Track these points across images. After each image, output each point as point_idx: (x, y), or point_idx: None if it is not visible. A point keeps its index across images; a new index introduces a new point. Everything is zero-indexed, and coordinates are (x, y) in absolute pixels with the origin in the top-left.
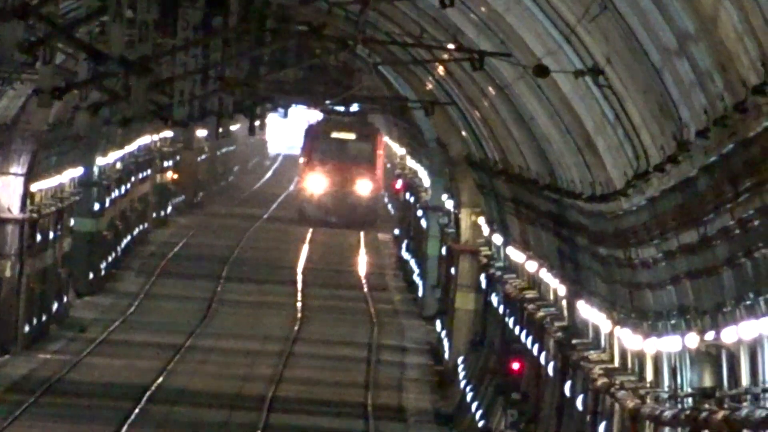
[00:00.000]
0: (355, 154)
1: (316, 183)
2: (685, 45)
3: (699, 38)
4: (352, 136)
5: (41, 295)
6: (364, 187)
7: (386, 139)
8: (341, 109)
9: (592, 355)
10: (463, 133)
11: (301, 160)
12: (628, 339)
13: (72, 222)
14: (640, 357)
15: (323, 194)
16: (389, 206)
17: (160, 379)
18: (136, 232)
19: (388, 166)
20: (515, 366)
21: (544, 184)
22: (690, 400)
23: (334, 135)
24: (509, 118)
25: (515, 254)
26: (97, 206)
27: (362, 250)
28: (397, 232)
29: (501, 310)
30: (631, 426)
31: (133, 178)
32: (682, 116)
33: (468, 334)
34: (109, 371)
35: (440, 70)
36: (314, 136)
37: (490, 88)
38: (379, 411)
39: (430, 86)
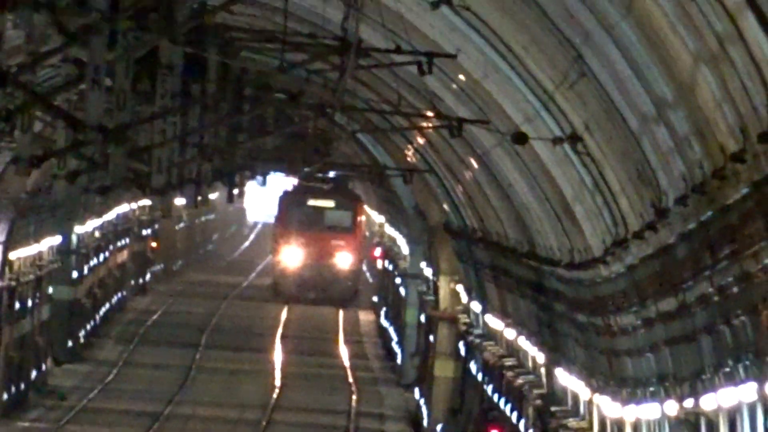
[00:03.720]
0: (333, 223)
1: (291, 256)
2: (663, 111)
3: (677, 105)
4: (330, 203)
5: (20, 362)
6: (343, 260)
7: (365, 207)
8: (319, 174)
9: (571, 422)
10: (442, 201)
11: (276, 230)
12: (607, 406)
13: (50, 290)
14: (619, 424)
15: (299, 268)
16: (368, 274)
17: None
18: (114, 300)
19: (367, 234)
20: None
21: (523, 252)
22: None
23: (311, 203)
24: (488, 185)
25: (494, 322)
26: (75, 274)
27: (341, 317)
28: (375, 299)
29: (480, 377)
30: None
31: (111, 246)
32: (660, 183)
33: (447, 401)
34: None
35: (419, 138)
36: (290, 204)
37: (469, 156)
38: None
39: (409, 156)
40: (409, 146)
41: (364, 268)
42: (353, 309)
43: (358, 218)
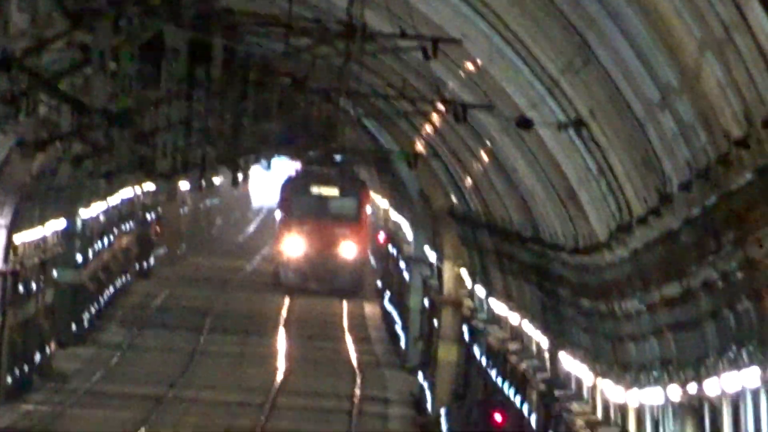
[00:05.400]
0: (338, 212)
1: (293, 245)
2: (668, 98)
3: (682, 91)
4: (335, 191)
5: (24, 346)
6: (348, 250)
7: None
8: (323, 158)
9: (575, 406)
10: (447, 186)
11: (278, 218)
12: (611, 391)
13: (55, 273)
14: (622, 409)
15: (302, 258)
16: (372, 259)
17: (143, 431)
18: (118, 283)
19: (372, 219)
20: (498, 417)
21: (527, 237)
22: None
23: (315, 190)
24: (492, 170)
25: (498, 306)
26: (79, 258)
27: (345, 303)
28: (379, 284)
29: (484, 361)
30: None
31: (115, 230)
32: (665, 169)
33: (451, 385)
34: (92, 423)
35: (424, 123)
36: (292, 191)
37: (474, 142)
38: None
39: (416, 142)
40: (414, 131)
41: (369, 254)
42: (359, 299)
43: (364, 206)
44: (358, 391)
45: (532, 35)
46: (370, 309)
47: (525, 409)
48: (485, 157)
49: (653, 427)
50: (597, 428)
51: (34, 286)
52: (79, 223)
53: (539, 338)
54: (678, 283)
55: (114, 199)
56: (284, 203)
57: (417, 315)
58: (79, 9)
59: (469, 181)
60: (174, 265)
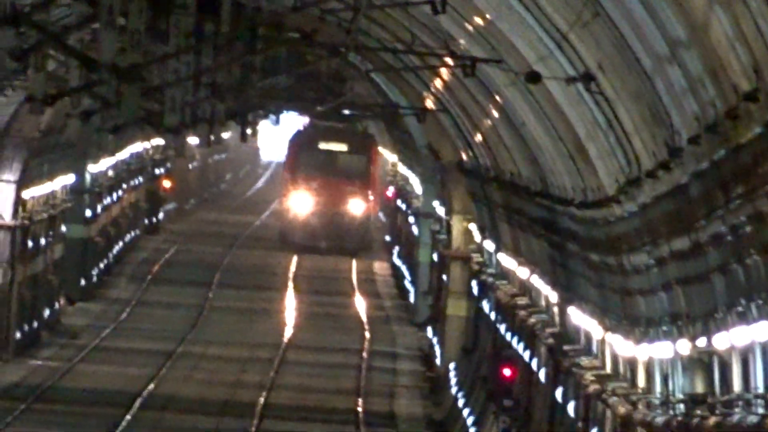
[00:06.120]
0: (346, 168)
1: (300, 202)
2: (676, 52)
3: (690, 45)
4: (343, 147)
5: (32, 301)
6: (356, 206)
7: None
8: (331, 113)
9: (584, 361)
10: (455, 140)
11: (285, 174)
12: (620, 345)
13: (64, 229)
14: (631, 363)
15: (309, 215)
16: (381, 213)
17: (151, 386)
18: (127, 238)
19: (381, 174)
20: (507, 372)
21: (536, 191)
22: (682, 406)
23: (323, 146)
24: (501, 124)
25: (507, 261)
26: (88, 213)
27: (353, 259)
28: (388, 238)
29: (492, 316)
30: None
31: (124, 185)
32: (673, 123)
33: (459, 340)
34: (101, 378)
35: (433, 77)
36: (300, 146)
37: (483, 96)
38: (370, 418)
39: (425, 96)
40: (422, 85)
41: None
42: (367, 254)
43: (373, 162)
44: (367, 346)
45: None
46: (378, 264)
47: (534, 363)
48: (494, 112)
49: (662, 381)
50: (606, 382)
51: (43, 241)
52: (88, 178)
53: (548, 293)
54: (687, 237)
55: (123, 155)
56: (292, 159)
57: (426, 270)
58: None
59: (477, 135)
60: (183, 220)
